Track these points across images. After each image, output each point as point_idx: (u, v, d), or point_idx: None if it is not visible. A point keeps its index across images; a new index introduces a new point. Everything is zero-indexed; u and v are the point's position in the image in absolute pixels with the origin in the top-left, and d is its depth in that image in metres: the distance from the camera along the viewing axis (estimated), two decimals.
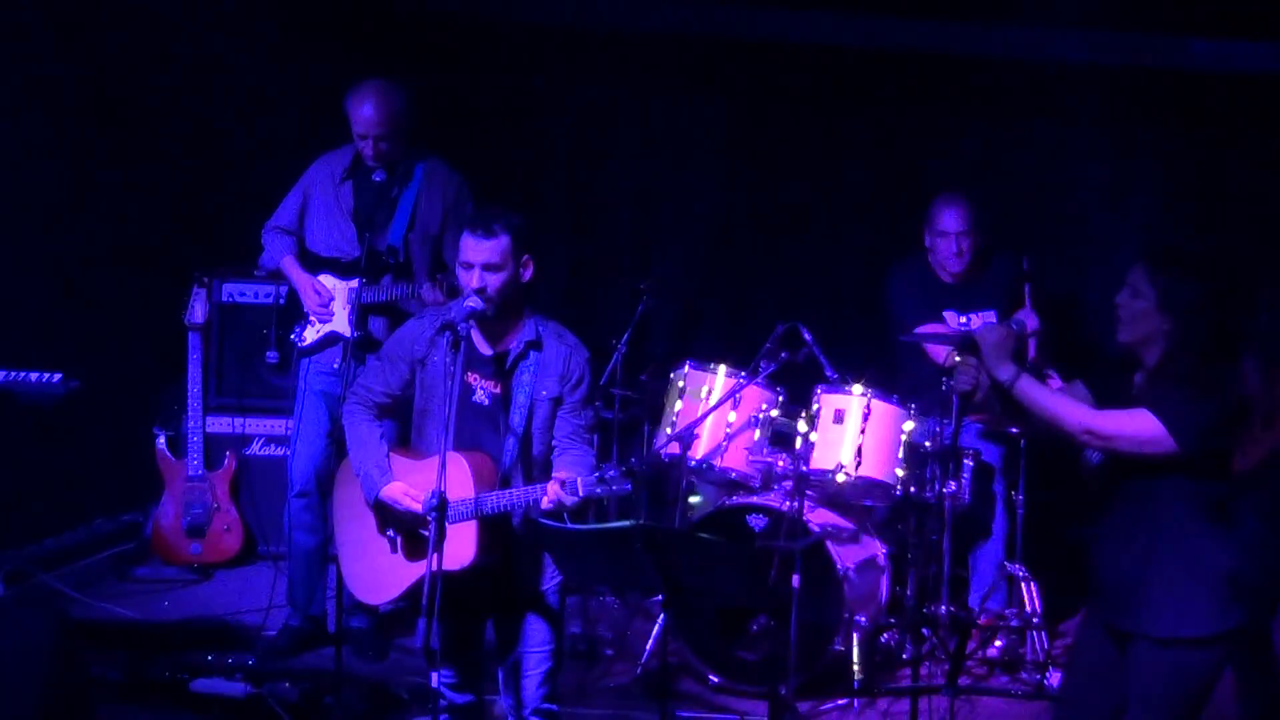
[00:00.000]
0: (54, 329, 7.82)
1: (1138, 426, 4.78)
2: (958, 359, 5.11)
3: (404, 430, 5.82)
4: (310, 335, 7.23)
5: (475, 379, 5.54)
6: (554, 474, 5.39)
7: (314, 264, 7.22)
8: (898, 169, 8.73)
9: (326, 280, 7.18)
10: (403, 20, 8.77)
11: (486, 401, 5.53)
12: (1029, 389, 4.90)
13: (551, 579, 5.57)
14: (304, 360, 7.29)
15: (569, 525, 5.24)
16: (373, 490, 5.50)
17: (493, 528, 5.41)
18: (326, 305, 7.16)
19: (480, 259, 5.38)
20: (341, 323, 7.12)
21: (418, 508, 5.38)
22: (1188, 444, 4.76)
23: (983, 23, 8.50)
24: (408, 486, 5.45)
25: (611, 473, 5.24)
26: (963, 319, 7.59)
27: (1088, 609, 5.20)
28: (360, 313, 6.99)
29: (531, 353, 5.49)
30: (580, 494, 5.25)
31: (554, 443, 5.51)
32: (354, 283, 7.06)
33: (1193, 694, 4.87)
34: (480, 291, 5.37)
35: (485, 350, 5.54)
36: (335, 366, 7.13)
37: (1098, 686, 5.01)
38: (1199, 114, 8.43)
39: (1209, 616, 4.83)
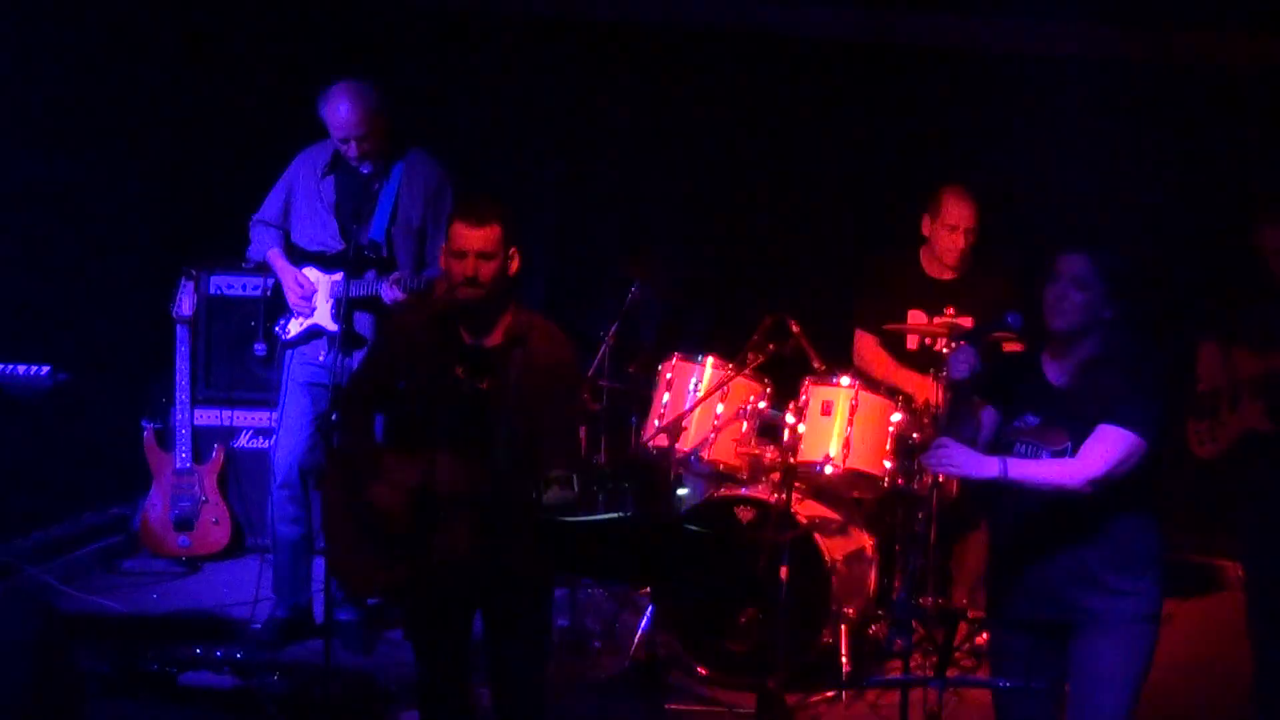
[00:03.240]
0: (41, 321, 7.80)
1: (1119, 448, 4.86)
2: (950, 348, 5.15)
3: (395, 423, 5.81)
4: (294, 328, 7.24)
5: (463, 372, 5.53)
6: (544, 467, 5.39)
7: (299, 258, 7.23)
8: (886, 161, 8.73)
9: (310, 273, 7.18)
10: (387, 11, 8.77)
11: (474, 395, 5.53)
12: (1019, 470, 4.93)
13: (542, 570, 5.57)
14: (288, 352, 7.30)
15: (557, 517, 5.23)
16: (361, 484, 5.51)
17: (485, 522, 5.40)
18: (309, 298, 7.16)
19: (474, 246, 5.38)
20: (324, 316, 7.13)
21: (397, 499, 5.40)
22: (1153, 438, 4.87)
23: (974, 16, 8.51)
24: (392, 490, 5.45)
25: (607, 469, 5.25)
26: (935, 320, 7.57)
27: (998, 616, 5.27)
28: (344, 307, 6.98)
29: (520, 346, 5.49)
30: (575, 489, 5.26)
31: (541, 437, 5.51)
32: (338, 276, 7.06)
33: (1149, 668, 5.02)
34: (472, 280, 5.37)
35: (474, 342, 5.54)
36: (320, 359, 7.15)
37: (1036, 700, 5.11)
38: (1184, 108, 8.45)
39: (1159, 592, 5.01)
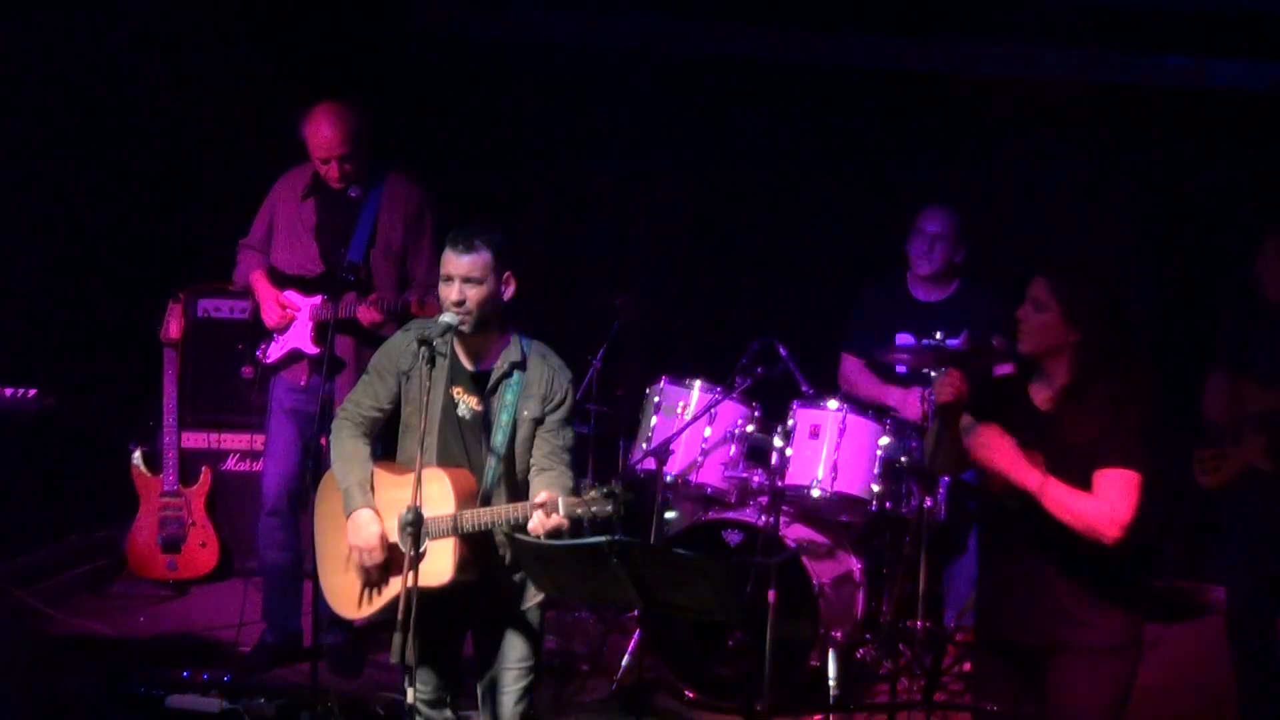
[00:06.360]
0: (29, 345, 7.79)
1: (1132, 487, 4.81)
2: (937, 372, 5.15)
3: (388, 444, 5.82)
4: (274, 352, 7.22)
5: (459, 393, 5.54)
6: (534, 494, 5.39)
7: (280, 281, 7.19)
8: (875, 185, 8.75)
9: (291, 297, 7.17)
10: (375, 36, 8.79)
11: (470, 416, 5.54)
12: (1056, 493, 4.84)
13: (533, 596, 5.57)
14: (273, 378, 7.28)
15: (544, 540, 5.23)
16: (350, 509, 5.51)
17: (473, 545, 5.41)
18: (290, 321, 7.14)
19: (460, 272, 5.40)
20: (303, 339, 7.12)
21: (376, 548, 5.41)
22: (1146, 471, 4.85)
23: (962, 41, 8.54)
24: (380, 527, 5.46)
25: (593, 494, 5.25)
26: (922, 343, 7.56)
27: (984, 639, 5.25)
28: (323, 329, 6.98)
29: (515, 371, 5.50)
30: (562, 515, 5.26)
31: (533, 461, 5.52)
32: (317, 299, 7.06)
33: (1127, 695, 4.99)
34: (459, 305, 5.38)
35: (469, 366, 5.55)
36: (302, 383, 7.13)
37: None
38: (1174, 129, 8.48)
39: (1135, 619, 4.98)
